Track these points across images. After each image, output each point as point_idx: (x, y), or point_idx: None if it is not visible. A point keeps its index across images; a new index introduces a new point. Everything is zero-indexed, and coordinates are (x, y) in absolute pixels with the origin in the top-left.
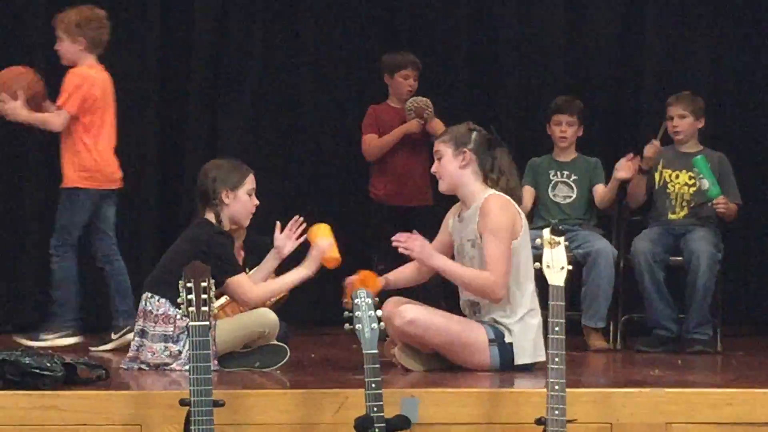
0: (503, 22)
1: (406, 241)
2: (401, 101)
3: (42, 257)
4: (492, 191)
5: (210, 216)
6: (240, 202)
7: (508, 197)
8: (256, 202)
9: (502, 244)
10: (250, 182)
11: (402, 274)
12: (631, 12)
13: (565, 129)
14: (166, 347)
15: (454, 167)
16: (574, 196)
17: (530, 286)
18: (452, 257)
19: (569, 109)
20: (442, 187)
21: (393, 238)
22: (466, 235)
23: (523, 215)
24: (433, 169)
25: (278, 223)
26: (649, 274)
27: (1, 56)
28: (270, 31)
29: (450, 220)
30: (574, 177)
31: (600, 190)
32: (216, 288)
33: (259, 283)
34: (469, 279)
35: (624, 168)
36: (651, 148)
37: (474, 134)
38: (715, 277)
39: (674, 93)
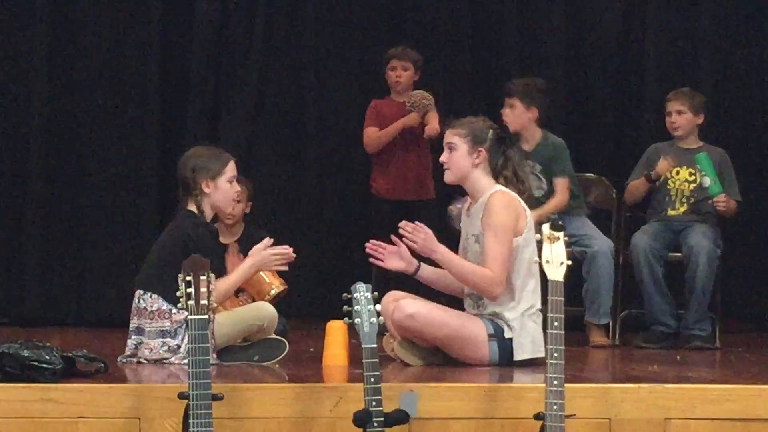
0: (505, 19)
1: (412, 232)
2: (398, 94)
3: (43, 249)
4: (499, 187)
5: (192, 206)
6: (221, 191)
7: (514, 194)
8: (238, 188)
9: (503, 243)
10: (230, 170)
11: (434, 272)
12: (632, 8)
13: (505, 111)
14: (164, 342)
15: (468, 163)
16: (546, 188)
17: (533, 283)
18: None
19: (508, 90)
20: (449, 178)
21: (399, 225)
22: (472, 230)
23: (528, 212)
24: (443, 158)
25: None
26: (648, 269)
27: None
28: (271, 28)
29: (462, 216)
30: (539, 167)
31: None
32: None
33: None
34: (468, 273)
35: None
36: (664, 164)
37: (491, 133)
38: (715, 273)
39: (675, 89)
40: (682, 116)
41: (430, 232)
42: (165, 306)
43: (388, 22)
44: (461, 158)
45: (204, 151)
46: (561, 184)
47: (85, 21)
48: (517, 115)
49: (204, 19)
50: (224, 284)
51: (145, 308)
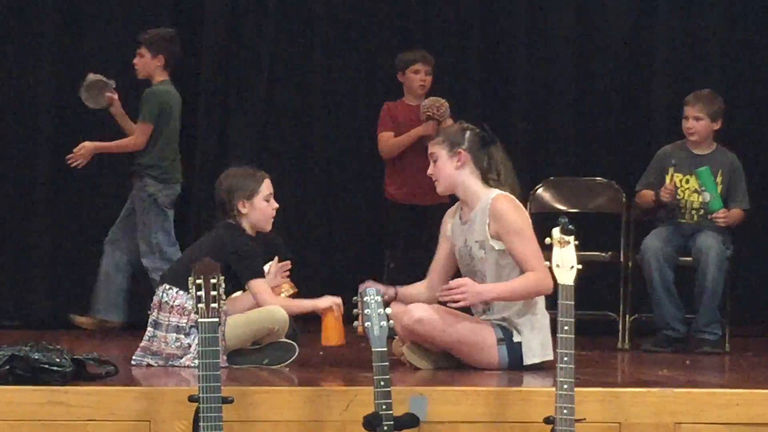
0: (514, 22)
1: (451, 293)
2: (416, 97)
3: (52, 252)
4: (497, 191)
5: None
6: (258, 210)
7: (513, 197)
8: (275, 205)
9: (531, 239)
10: (266, 188)
11: (413, 289)
12: (642, 10)
13: (135, 60)
14: (177, 338)
15: (451, 168)
16: None
17: None
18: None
19: (138, 41)
20: (440, 188)
21: (441, 292)
22: (473, 236)
23: (526, 213)
24: (429, 171)
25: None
26: (659, 273)
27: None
28: (281, 32)
29: (448, 225)
30: None
31: None
32: (240, 288)
33: (280, 297)
34: (523, 288)
35: None
36: (666, 193)
37: (467, 133)
38: (725, 276)
39: (685, 92)
40: (699, 123)
41: (467, 281)
42: (188, 303)
43: (397, 24)
44: (444, 164)
45: (239, 171)
46: (138, 128)
47: (92, 25)
48: (145, 62)
49: (214, 23)
50: (293, 306)
51: (167, 302)
